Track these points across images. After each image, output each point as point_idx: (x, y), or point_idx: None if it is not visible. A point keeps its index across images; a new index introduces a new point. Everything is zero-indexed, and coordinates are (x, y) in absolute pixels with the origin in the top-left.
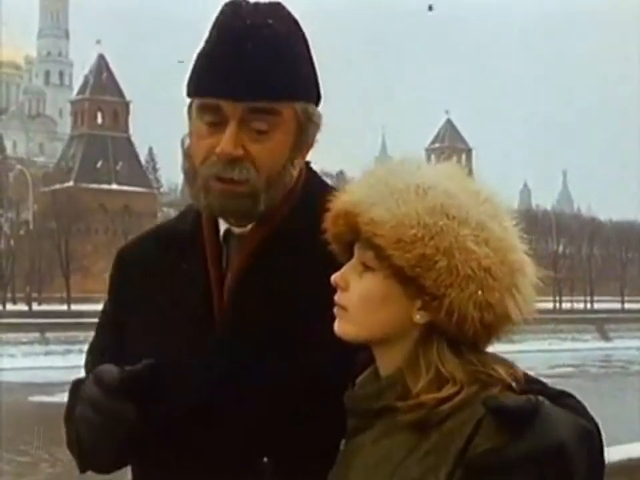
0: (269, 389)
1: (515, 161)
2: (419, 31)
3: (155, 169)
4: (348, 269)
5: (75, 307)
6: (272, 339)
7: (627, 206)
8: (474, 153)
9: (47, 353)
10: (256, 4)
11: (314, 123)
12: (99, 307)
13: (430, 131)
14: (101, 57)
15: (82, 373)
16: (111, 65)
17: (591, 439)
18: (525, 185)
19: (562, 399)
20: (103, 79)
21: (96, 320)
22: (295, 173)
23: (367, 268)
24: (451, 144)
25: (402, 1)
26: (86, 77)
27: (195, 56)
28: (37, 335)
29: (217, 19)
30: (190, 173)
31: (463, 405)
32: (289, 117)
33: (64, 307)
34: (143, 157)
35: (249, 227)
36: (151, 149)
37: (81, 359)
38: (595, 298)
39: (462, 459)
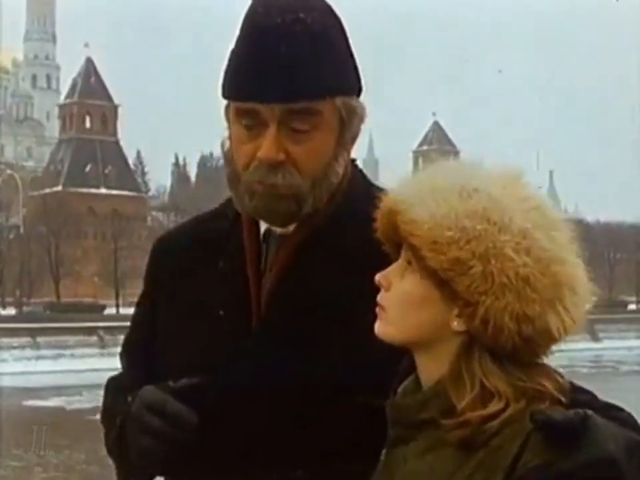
0: (303, 393)
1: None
2: (407, 31)
3: (143, 173)
4: (392, 269)
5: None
6: (309, 342)
7: (614, 206)
8: (461, 155)
9: (38, 358)
10: (285, 3)
11: (357, 115)
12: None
13: (417, 134)
14: (89, 61)
15: (72, 378)
16: (99, 69)
17: None
18: None
19: (611, 411)
20: (91, 83)
21: (86, 324)
22: (341, 169)
23: (409, 266)
24: (438, 146)
25: (393, 2)
26: (74, 81)
27: (228, 53)
28: (28, 339)
29: (248, 16)
30: (233, 177)
31: (511, 421)
32: (330, 114)
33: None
34: (131, 161)
35: (291, 227)
36: (139, 153)
37: (72, 364)
38: None
39: (511, 476)
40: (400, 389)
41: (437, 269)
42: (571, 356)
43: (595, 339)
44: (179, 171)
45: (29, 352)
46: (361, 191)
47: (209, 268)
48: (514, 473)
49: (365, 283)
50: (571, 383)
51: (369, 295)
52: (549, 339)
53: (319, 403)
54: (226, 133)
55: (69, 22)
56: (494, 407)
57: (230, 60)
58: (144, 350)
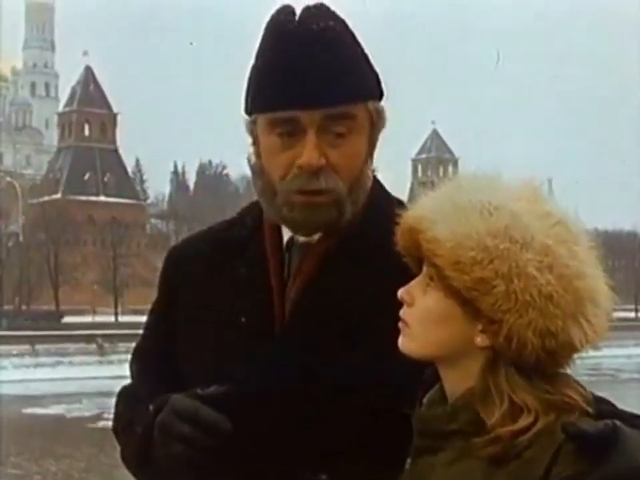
0: (327, 402)
1: (499, 169)
2: (407, 38)
3: (142, 180)
4: (414, 284)
5: (64, 319)
6: (333, 350)
7: (613, 214)
8: (460, 163)
9: (37, 365)
10: (307, 8)
11: (383, 120)
12: (89, 318)
13: (416, 141)
14: (88, 69)
15: (72, 385)
16: (98, 77)
17: None
18: None
19: (635, 420)
20: (90, 91)
21: (85, 332)
22: (371, 173)
23: (431, 284)
24: (437, 154)
25: (390, 10)
26: (73, 89)
27: (249, 71)
28: (27, 347)
29: (271, 28)
30: (266, 189)
31: (542, 434)
32: (363, 117)
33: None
34: (129, 168)
35: (316, 235)
36: (137, 160)
37: (70, 371)
38: None
39: None
40: (425, 400)
41: (461, 289)
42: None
43: (594, 346)
44: (178, 178)
45: (27, 359)
46: (382, 200)
47: (229, 275)
48: None
49: (388, 293)
50: (592, 393)
51: (391, 304)
52: (571, 350)
53: (345, 410)
54: (250, 149)
55: (67, 30)
56: (524, 421)
57: (258, 73)
58: (158, 358)
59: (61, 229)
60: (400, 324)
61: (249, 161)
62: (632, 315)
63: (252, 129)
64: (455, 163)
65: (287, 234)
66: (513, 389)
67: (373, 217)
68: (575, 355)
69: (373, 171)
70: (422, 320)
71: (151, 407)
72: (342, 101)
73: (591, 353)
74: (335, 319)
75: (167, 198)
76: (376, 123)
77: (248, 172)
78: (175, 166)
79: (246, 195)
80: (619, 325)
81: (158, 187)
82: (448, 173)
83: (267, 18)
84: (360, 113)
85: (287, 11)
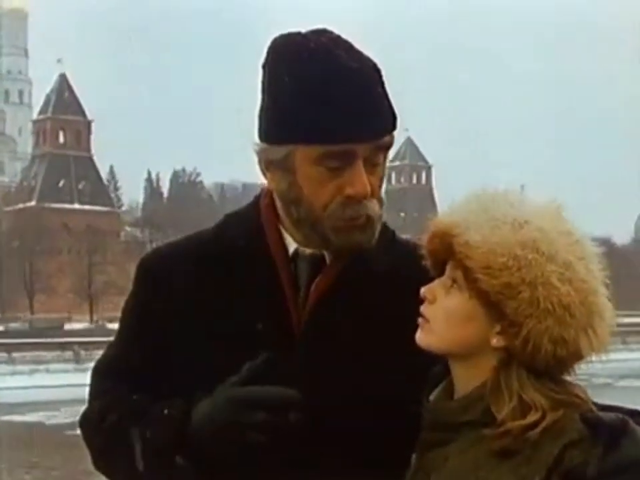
0: (345, 411)
1: (478, 178)
2: (377, 43)
3: (116, 188)
4: (437, 284)
5: (40, 327)
6: (349, 360)
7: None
8: (433, 170)
9: (13, 373)
10: (335, 39)
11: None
12: (65, 326)
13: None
14: (63, 76)
15: (48, 393)
16: (72, 84)
17: None
18: None
19: (636, 417)
20: (65, 98)
21: (61, 340)
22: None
23: (454, 285)
24: (411, 162)
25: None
26: (48, 96)
27: (278, 97)
28: (3, 354)
29: (308, 63)
30: (308, 218)
31: (550, 429)
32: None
33: (26, 326)
34: (104, 176)
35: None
36: (112, 168)
37: (47, 379)
38: None
39: (555, 470)
40: (433, 396)
41: (489, 291)
42: None
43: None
44: (152, 186)
45: (4, 367)
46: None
47: (231, 285)
48: (559, 467)
49: (401, 309)
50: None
51: (404, 319)
52: (578, 358)
53: (363, 417)
54: (265, 175)
55: (41, 37)
56: (532, 417)
57: (300, 101)
58: (139, 368)
59: (35, 237)
60: (419, 320)
61: (273, 187)
62: None
63: (284, 158)
64: (429, 170)
65: (291, 246)
66: (523, 389)
67: (380, 240)
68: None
69: None
70: (444, 318)
71: (165, 411)
72: (388, 132)
73: None
74: (350, 328)
75: (141, 205)
76: (392, 143)
77: (221, 179)
78: (149, 173)
79: (219, 202)
80: None
81: (132, 194)
82: (421, 180)
83: (281, 40)
84: (391, 141)
85: (307, 36)
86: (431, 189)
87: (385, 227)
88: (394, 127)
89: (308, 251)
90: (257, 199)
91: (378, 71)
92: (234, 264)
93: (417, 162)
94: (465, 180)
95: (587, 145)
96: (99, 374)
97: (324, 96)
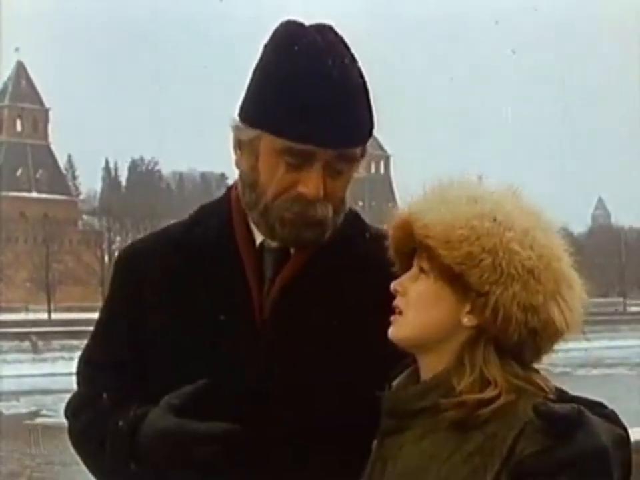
0: (308, 401)
1: (436, 169)
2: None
3: (74, 177)
4: (406, 277)
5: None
6: (313, 352)
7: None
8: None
9: None
10: (332, 42)
11: (366, 150)
12: (22, 316)
13: None
14: (20, 64)
15: (6, 383)
16: (30, 73)
17: (625, 446)
18: None
19: (597, 408)
20: (22, 86)
21: (18, 330)
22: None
23: (422, 272)
24: (369, 151)
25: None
26: (5, 84)
27: (259, 79)
28: None
29: (295, 59)
30: (257, 203)
31: (505, 411)
32: (359, 154)
33: None
34: (62, 164)
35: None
36: (69, 156)
37: (4, 369)
38: None
39: (508, 461)
40: (395, 383)
41: (451, 264)
42: None
43: (574, 337)
44: (110, 175)
45: None
46: (355, 219)
47: (200, 276)
48: (512, 458)
49: (364, 299)
50: (555, 386)
51: (367, 309)
52: (552, 330)
53: (327, 407)
54: (236, 152)
55: None
56: (489, 393)
57: (277, 93)
58: (121, 365)
59: None
60: (392, 317)
61: (239, 166)
62: None
63: (252, 140)
64: (387, 160)
65: (258, 237)
66: (486, 364)
67: (348, 234)
68: (555, 344)
69: None
70: (415, 304)
71: (120, 423)
72: (355, 144)
73: None
74: (313, 319)
75: (98, 194)
76: (364, 155)
77: (180, 168)
78: (107, 162)
79: (177, 191)
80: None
81: (90, 183)
82: (380, 169)
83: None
84: (360, 152)
85: (309, 31)
86: (389, 179)
87: (355, 218)
88: (364, 141)
89: (273, 243)
90: (229, 189)
91: (364, 84)
92: (204, 256)
93: (375, 151)
94: (424, 170)
95: (545, 134)
96: (83, 372)
97: (299, 95)
